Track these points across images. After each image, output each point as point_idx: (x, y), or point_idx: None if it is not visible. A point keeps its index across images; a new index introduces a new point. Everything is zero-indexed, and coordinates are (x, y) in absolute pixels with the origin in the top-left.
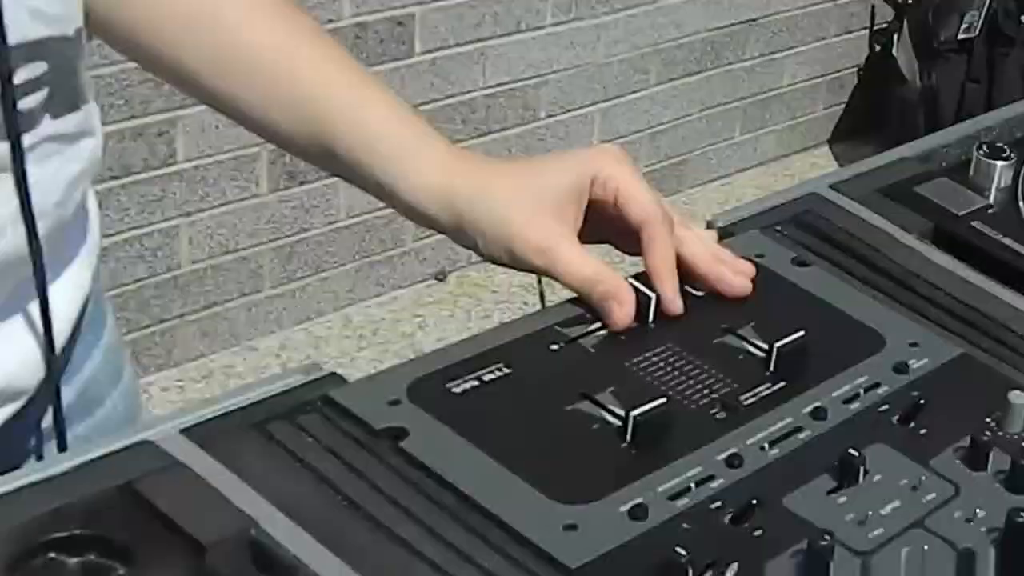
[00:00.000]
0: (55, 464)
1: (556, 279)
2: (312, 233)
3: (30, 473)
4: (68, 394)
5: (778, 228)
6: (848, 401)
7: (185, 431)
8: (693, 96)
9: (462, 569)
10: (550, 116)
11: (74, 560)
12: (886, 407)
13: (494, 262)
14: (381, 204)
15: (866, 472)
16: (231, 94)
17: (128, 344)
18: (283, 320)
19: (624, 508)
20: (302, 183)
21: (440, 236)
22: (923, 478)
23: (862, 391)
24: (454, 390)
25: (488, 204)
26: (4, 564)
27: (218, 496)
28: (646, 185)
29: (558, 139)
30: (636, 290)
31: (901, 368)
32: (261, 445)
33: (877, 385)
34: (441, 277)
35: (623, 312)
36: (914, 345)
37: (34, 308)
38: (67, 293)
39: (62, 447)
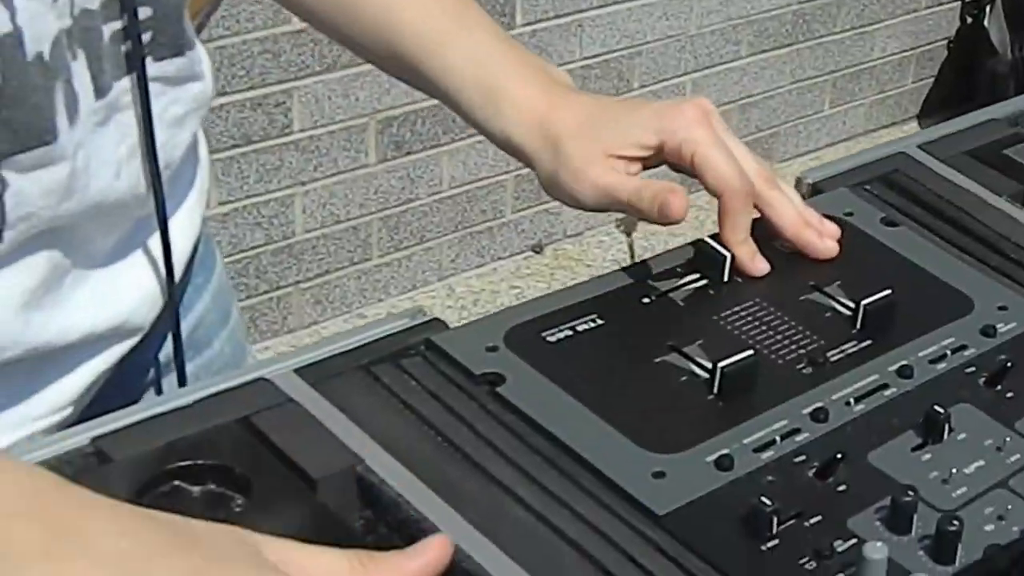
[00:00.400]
0: (177, 398)
1: (611, 207)
2: (417, 203)
3: (153, 406)
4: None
5: (867, 187)
6: (934, 361)
7: (298, 371)
8: (783, 68)
9: (555, 512)
10: (643, 87)
11: (196, 489)
12: (973, 369)
13: (554, 197)
14: (482, 175)
15: (951, 430)
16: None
17: (247, 310)
18: (390, 288)
19: (710, 459)
20: (408, 153)
21: (538, 208)
22: (1008, 439)
23: (949, 352)
24: (549, 339)
25: (563, 143)
26: (131, 490)
27: (328, 434)
28: (725, 149)
29: None
30: (713, 249)
31: (989, 331)
32: (367, 386)
33: (964, 347)
34: (538, 250)
35: (678, 200)
36: (1003, 309)
37: (153, 244)
38: (180, 232)
39: (182, 381)
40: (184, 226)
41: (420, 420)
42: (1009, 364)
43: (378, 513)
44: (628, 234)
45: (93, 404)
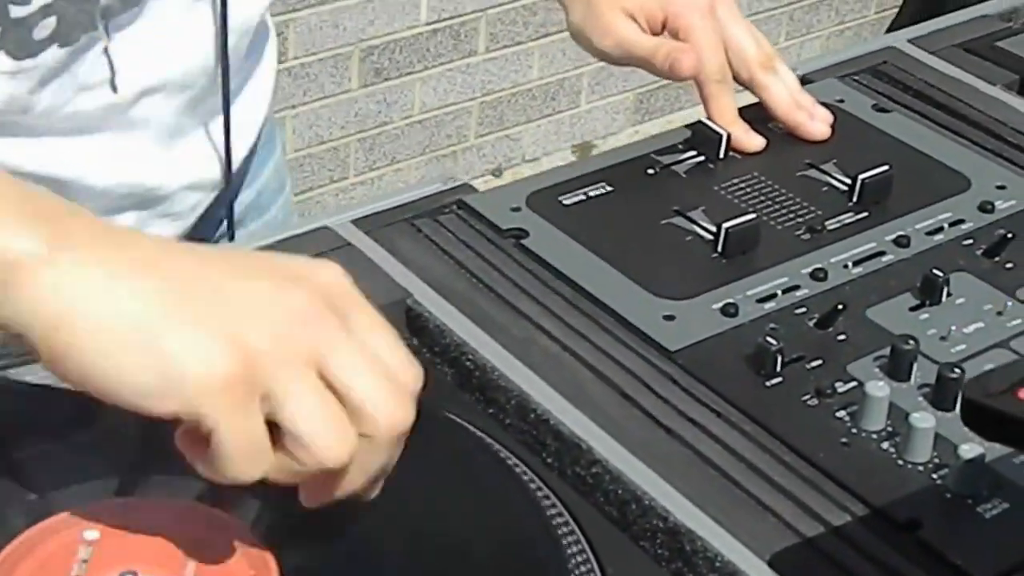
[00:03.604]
0: (255, 240)
1: (626, 60)
2: (391, 127)
3: (242, 245)
4: (247, 195)
5: (856, 78)
6: (932, 233)
7: (354, 221)
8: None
9: (577, 342)
10: None
11: None
12: (971, 241)
13: (580, 44)
14: (450, 100)
15: (949, 294)
16: None
17: None
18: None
19: (716, 306)
20: (386, 79)
21: (499, 134)
22: (1008, 304)
23: (946, 225)
24: (565, 201)
25: None
26: None
27: (381, 272)
28: (714, 39)
29: None
30: (708, 128)
31: (987, 207)
32: (411, 236)
33: (962, 221)
34: (497, 173)
35: (689, 58)
36: (1001, 188)
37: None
38: (250, 106)
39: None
40: (254, 99)
41: (457, 264)
42: (1009, 236)
43: (424, 340)
44: None
45: None
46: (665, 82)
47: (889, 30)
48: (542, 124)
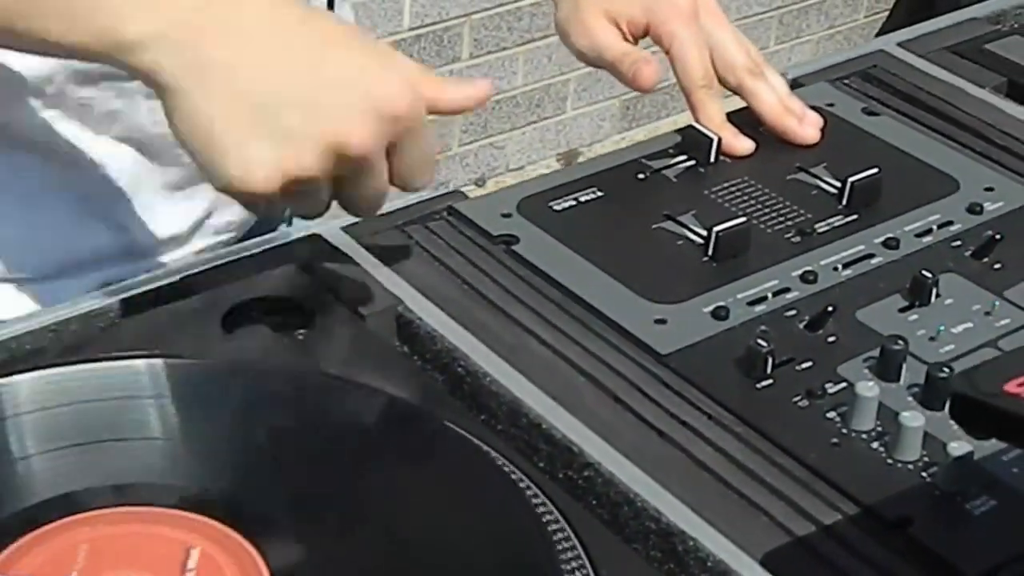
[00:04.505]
0: (250, 248)
1: (599, 63)
2: None
3: (230, 254)
4: None
5: (846, 81)
6: (921, 235)
7: (344, 228)
8: (728, 4)
9: (568, 347)
10: None
11: (268, 318)
12: (959, 243)
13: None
14: None
15: (938, 295)
16: None
17: None
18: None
19: (707, 309)
20: None
21: (483, 142)
22: (996, 304)
23: (935, 227)
24: (555, 207)
25: None
26: (215, 318)
27: (372, 279)
28: (698, 47)
29: None
30: (699, 132)
31: (975, 209)
32: (402, 243)
33: (950, 223)
34: (480, 183)
35: (651, 69)
36: (989, 190)
37: None
38: None
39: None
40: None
41: (448, 270)
42: (997, 237)
43: (415, 347)
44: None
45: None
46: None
47: (879, 34)
48: (527, 131)
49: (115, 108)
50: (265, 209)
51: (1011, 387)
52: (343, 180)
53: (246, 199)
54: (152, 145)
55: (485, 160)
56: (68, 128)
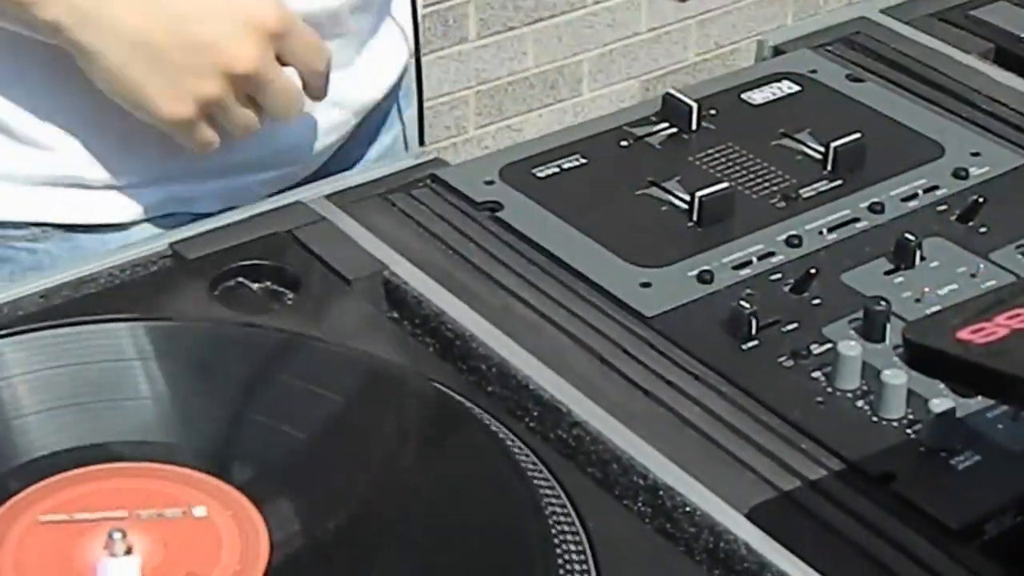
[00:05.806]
0: (239, 213)
1: None
2: None
3: (218, 220)
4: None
5: (829, 48)
6: (906, 199)
7: (327, 196)
8: None
9: (554, 311)
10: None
11: (256, 285)
12: (944, 207)
13: None
14: (444, 90)
15: (923, 258)
16: None
17: None
18: None
19: (692, 273)
20: None
21: (500, 124)
22: (982, 267)
23: (920, 191)
24: (538, 174)
25: None
26: (204, 283)
27: (356, 245)
28: None
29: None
30: (677, 99)
31: (961, 173)
32: (385, 210)
33: (936, 187)
34: None
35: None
36: (975, 154)
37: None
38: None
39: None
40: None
41: (433, 237)
42: (982, 201)
43: (403, 312)
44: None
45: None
46: (671, 67)
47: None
48: (543, 114)
49: None
50: (199, 135)
51: (964, 334)
52: (255, 92)
53: (180, 129)
54: None
55: (503, 143)
56: None
